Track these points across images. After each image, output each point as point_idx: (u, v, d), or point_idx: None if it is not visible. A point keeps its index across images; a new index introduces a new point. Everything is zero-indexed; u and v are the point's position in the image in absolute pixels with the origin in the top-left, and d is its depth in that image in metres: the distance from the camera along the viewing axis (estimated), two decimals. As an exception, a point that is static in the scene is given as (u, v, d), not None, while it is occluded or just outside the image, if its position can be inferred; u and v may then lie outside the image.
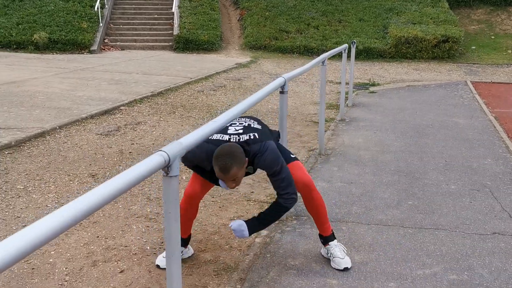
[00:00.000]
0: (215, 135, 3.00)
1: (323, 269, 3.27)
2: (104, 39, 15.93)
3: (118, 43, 16.01)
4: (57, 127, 6.56)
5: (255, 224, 3.05)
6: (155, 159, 1.89)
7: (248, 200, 4.50)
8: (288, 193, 3.00)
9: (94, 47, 14.91)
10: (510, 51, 16.42)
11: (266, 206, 4.36)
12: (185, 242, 3.36)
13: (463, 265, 3.31)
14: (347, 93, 9.06)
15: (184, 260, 3.40)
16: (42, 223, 1.29)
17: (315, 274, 3.21)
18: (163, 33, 16.84)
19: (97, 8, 15.86)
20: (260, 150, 2.96)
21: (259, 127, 3.12)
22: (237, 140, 2.97)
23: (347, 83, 9.57)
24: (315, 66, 5.38)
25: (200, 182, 3.17)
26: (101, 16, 16.17)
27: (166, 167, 1.99)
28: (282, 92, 3.90)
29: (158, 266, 3.32)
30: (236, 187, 2.99)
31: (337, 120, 7.58)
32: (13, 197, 4.43)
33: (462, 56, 15.71)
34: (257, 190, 4.75)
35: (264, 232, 3.81)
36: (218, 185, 3.07)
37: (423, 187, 4.73)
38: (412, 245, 3.59)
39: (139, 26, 17.13)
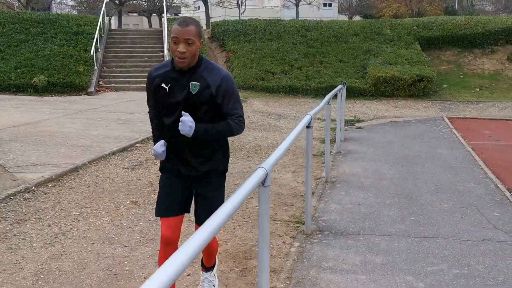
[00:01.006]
0: None
1: (352, 268, 4.06)
2: (98, 81, 16.70)
3: (112, 84, 16.79)
4: (87, 163, 7.26)
5: (201, 129, 2.96)
6: (259, 173, 2.70)
7: (274, 220, 5.28)
8: (241, 118, 3.05)
9: (91, 89, 15.66)
10: (478, 90, 17.75)
11: (291, 225, 5.15)
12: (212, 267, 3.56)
13: (462, 263, 4.15)
14: (334, 129, 9.97)
15: (236, 265, 4.15)
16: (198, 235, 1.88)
17: (347, 272, 3.99)
18: (155, 75, 17.69)
19: (93, 53, 16.68)
20: (220, 68, 3.04)
21: None
22: None
23: (333, 120, 10.51)
24: (324, 105, 6.27)
25: (169, 222, 3.15)
26: (95, 59, 16.98)
27: (264, 179, 2.80)
28: (308, 127, 4.75)
29: None
30: (185, 57, 2.81)
31: (334, 153, 8.45)
32: (73, 221, 5.12)
33: (436, 94, 16.94)
34: (280, 212, 5.53)
35: (296, 243, 4.59)
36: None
37: (420, 207, 5.60)
38: (419, 250, 4.41)
39: (131, 68, 17.97)
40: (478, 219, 5.21)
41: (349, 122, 12.00)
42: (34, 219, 5.13)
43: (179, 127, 2.90)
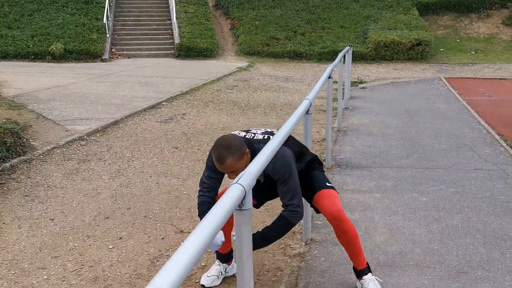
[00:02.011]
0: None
1: (368, 189, 5.00)
2: (111, 48, 17.42)
3: (124, 52, 17.52)
4: (124, 117, 8.14)
5: (258, 240, 2.88)
6: (305, 103, 3.59)
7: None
8: (293, 204, 2.86)
9: (105, 56, 16.41)
10: (473, 53, 18.57)
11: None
12: (227, 258, 3.37)
13: (458, 184, 5.09)
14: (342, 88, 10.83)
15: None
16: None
17: (365, 192, 4.94)
18: (164, 42, 18.42)
19: (105, 21, 17.37)
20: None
21: None
22: (249, 137, 2.99)
23: (336, 82, 11.37)
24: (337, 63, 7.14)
25: None
26: (107, 27, 17.67)
27: (308, 108, 3.69)
28: (329, 78, 5.63)
29: (202, 286, 3.31)
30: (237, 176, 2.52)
31: (342, 108, 9.33)
32: (128, 161, 6.03)
33: (433, 57, 17.76)
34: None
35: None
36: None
37: (422, 147, 6.53)
38: (423, 176, 5.35)
39: (141, 36, 18.66)
40: (471, 155, 6.15)
41: (353, 84, 12.83)
42: (95, 160, 6.04)
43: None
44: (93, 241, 3.93)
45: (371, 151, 6.38)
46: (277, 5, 21.30)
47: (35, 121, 7.64)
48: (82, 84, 11.42)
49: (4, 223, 4.24)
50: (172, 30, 18.98)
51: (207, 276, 3.31)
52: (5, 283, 3.30)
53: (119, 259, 3.65)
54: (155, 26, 19.41)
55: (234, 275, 3.41)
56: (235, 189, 1.90)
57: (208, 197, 3.03)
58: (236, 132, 3.03)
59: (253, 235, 2.78)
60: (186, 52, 17.39)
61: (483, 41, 19.47)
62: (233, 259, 3.41)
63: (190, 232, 4.14)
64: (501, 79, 13.26)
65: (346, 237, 3.03)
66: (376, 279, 3.17)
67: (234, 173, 2.72)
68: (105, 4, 18.63)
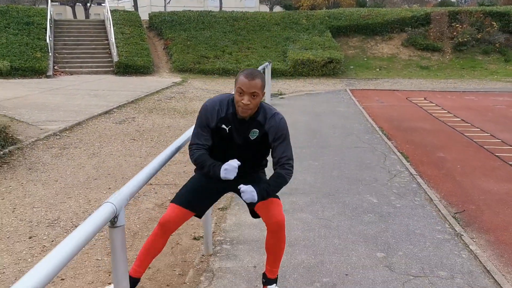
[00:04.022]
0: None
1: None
2: (54, 66, 18.84)
3: (66, 69, 18.98)
4: (85, 120, 9.87)
5: (263, 193, 2.95)
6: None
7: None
8: (290, 163, 3.02)
9: (50, 73, 17.83)
10: (378, 70, 21.48)
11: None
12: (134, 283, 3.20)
13: (341, 155, 7.32)
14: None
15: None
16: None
17: (276, 161, 7.05)
18: (104, 60, 20.04)
19: (48, 40, 18.79)
20: (275, 113, 3.05)
21: None
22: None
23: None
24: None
25: (179, 211, 3.11)
26: (49, 47, 19.08)
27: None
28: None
29: None
30: (249, 108, 2.87)
31: (264, 112, 11.50)
32: (98, 147, 7.83)
33: (344, 73, 20.48)
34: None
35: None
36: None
37: (321, 135, 8.77)
38: (318, 152, 7.54)
39: (81, 55, 20.18)
40: (355, 139, 8.45)
41: (274, 95, 15.11)
42: (72, 147, 7.80)
43: (243, 197, 2.89)
44: (91, 190, 5.77)
45: (283, 139, 8.53)
46: (207, 27, 23.46)
47: (11, 123, 9.23)
48: (37, 96, 12.94)
49: (22, 183, 5.98)
50: (110, 49, 20.63)
51: None
52: (42, 210, 5.09)
53: (113, 197, 5.52)
54: (94, 46, 20.99)
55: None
56: (105, 207, 2.00)
57: (203, 149, 3.10)
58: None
59: (260, 188, 2.94)
60: (125, 69, 19.10)
61: (386, 59, 22.51)
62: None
63: (157, 184, 6.04)
64: (394, 90, 16.01)
65: (279, 244, 3.17)
66: None
67: (250, 98, 2.86)
68: (45, 25, 20.04)
